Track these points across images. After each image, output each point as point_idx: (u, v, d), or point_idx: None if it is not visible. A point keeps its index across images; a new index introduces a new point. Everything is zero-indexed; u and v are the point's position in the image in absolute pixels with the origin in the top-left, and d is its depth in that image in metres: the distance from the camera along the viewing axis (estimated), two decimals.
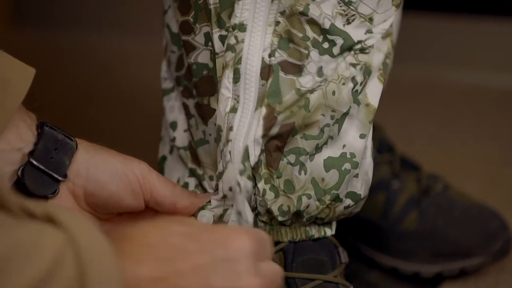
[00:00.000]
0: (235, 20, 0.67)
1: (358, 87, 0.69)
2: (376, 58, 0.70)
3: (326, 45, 0.68)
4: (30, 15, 1.79)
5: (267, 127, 0.67)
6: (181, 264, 0.53)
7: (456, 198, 0.93)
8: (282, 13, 0.67)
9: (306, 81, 0.68)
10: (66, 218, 0.50)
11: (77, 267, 0.48)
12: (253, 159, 0.67)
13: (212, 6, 0.68)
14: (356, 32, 0.69)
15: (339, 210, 0.70)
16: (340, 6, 0.67)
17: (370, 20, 0.69)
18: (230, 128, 0.67)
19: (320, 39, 0.68)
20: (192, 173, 0.74)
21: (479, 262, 0.90)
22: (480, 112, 1.40)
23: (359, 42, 0.69)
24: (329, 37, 0.68)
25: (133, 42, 1.60)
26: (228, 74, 0.68)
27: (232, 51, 0.67)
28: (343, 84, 0.68)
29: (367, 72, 0.69)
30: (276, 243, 0.71)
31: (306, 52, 0.67)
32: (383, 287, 0.92)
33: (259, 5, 0.67)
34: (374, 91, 0.71)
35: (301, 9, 0.67)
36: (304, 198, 0.68)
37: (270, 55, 0.67)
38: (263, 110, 0.67)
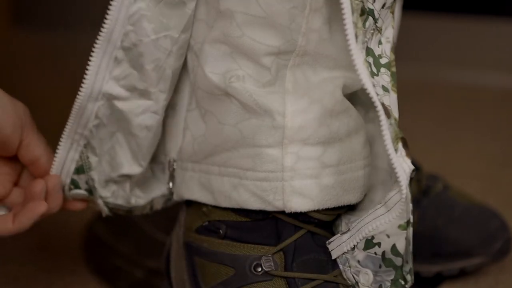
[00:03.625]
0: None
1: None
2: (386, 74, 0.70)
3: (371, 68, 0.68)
4: (30, 15, 1.79)
5: (409, 155, 0.67)
6: None
7: (456, 198, 0.93)
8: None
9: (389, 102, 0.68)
10: None
11: None
12: None
13: None
14: (375, 46, 0.69)
15: None
16: (373, 25, 0.68)
17: (380, 30, 0.69)
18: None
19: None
20: None
21: (479, 262, 0.90)
22: (480, 112, 1.40)
23: (380, 56, 0.69)
24: (367, 58, 0.68)
25: None
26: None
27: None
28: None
29: (385, 91, 0.69)
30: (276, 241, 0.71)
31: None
32: None
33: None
34: (394, 104, 0.71)
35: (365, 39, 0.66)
36: None
37: (377, 94, 0.66)
38: (400, 145, 0.66)
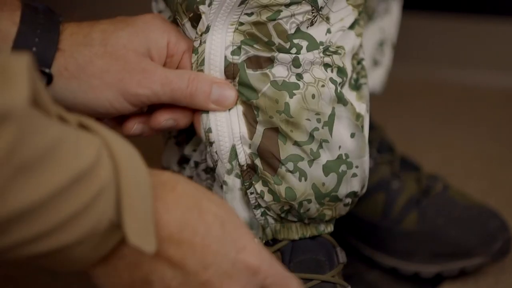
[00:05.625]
0: (202, 26, 0.67)
1: (339, 88, 0.69)
2: (348, 61, 0.70)
3: (293, 50, 0.67)
4: None
5: (250, 124, 0.67)
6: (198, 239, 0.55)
7: (456, 198, 0.93)
8: (249, 15, 0.66)
9: (280, 71, 0.67)
10: (98, 126, 0.53)
11: (113, 166, 0.52)
12: (242, 158, 0.67)
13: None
14: (317, 33, 0.68)
15: (339, 208, 0.71)
16: (312, 13, 0.67)
17: (327, 19, 0.69)
18: (208, 130, 0.67)
19: (287, 45, 0.67)
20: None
21: (479, 262, 0.90)
22: (480, 112, 1.40)
23: (322, 43, 0.68)
24: (295, 41, 0.67)
25: None
26: None
27: (195, 53, 0.67)
28: (323, 86, 0.68)
29: (344, 74, 0.69)
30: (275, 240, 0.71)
31: (273, 53, 0.67)
32: (383, 287, 0.92)
33: (226, 7, 0.65)
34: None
35: (269, 14, 0.66)
36: (305, 203, 0.68)
37: (234, 53, 0.66)
38: (239, 108, 0.67)
